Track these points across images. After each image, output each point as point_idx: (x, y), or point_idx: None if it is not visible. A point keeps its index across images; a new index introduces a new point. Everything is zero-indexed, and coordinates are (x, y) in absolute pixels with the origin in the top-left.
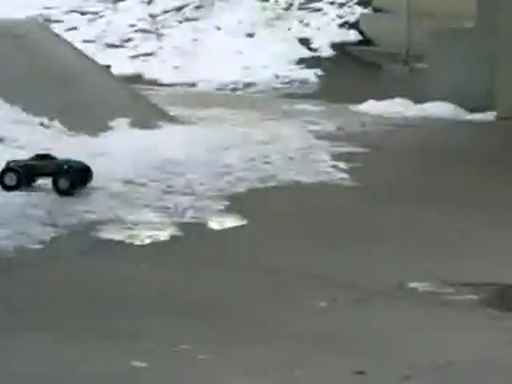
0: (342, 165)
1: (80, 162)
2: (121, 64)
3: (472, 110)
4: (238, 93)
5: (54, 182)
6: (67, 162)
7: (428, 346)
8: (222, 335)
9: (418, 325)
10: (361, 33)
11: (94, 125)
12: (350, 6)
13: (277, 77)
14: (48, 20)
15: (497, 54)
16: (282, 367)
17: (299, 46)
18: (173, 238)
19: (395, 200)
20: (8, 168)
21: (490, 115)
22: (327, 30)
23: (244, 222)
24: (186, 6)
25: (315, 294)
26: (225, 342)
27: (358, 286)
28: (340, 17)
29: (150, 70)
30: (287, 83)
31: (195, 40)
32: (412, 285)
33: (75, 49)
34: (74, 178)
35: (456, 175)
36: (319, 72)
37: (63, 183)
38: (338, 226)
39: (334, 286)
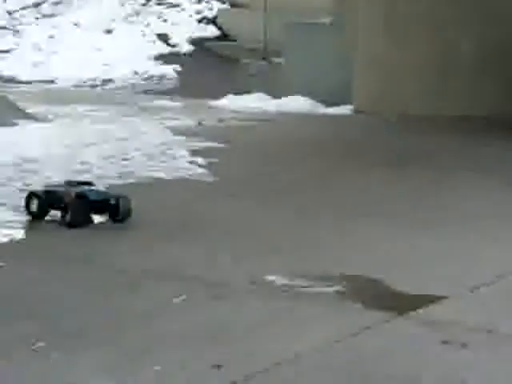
0: (200, 160)
1: (97, 192)
2: None
3: (329, 104)
4: (97, 89)
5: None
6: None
7: (283, 338)
8: (70, 336)
9: (272, 318)
10: (219, 28)
11: None
12: (207, 2)
13: (136, 73)
14: None
15: (353, 49)
16: (138, 364)
17: (158, 41)
18: (30, 236)
19: (252, 194)
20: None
21: (346, 109)
22: (185, 26)
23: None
24: (44, 2)
25: (171, 291)
26: (76, 344)
27: (214, 281)
28: (198, 12)
29: (7, 67)
30: (146, 79)
31: (53, 37)
32: (266, 278)
33: None
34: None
35: (311, 166)
36: (178, 68)
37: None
38: (198, 221)
39: (190, 283)
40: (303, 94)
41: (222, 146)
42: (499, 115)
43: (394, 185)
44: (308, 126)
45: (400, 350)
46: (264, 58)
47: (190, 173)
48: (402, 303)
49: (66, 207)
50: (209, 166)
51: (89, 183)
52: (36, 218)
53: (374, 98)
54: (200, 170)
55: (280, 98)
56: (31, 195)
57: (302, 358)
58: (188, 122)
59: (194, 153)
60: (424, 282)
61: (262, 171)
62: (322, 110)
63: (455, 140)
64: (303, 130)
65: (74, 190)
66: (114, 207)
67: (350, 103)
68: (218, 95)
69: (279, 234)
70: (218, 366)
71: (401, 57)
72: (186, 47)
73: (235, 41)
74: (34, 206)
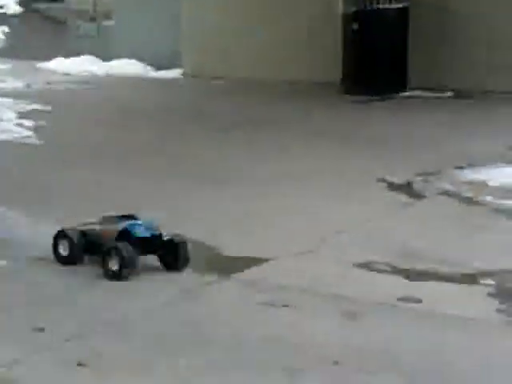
0: (27, 123)
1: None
2: None
3: (159, 68)
4: None
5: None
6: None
7: (108, 302)
8: None
9: (97, 282)
10: None
11: None
12: None
13: None
14: None
15: (181, 14)
16: None
17: None
18: None
19: (80, 158)
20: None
21: (176, 72)
22: None
23: None
24: None
25: None
26: None
27: (40, 247)
28: None
29: None
30: None
31: None
32: None
33: None
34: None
35: (141, 131)
36: (5, 29)
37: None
38: (22, 185)
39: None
40: (133, 58)
41: (49, 108)
42: (325, 80)
43: (228, 149)
44: (137, 89)
45: (222, 313)
46: (93, 20)
47: (17, 135)
48: (225, 265)
49: (108, 251)
50: (36, 129)
51: (131, 216)
52: (68, 263)
53: (201, 62)
54: (27, 133)
55: (110, 61)
56: (60, 235)
57: (127, 322)
58: (16, 84)
59: (21, 115)
60: (249, 244)
61: (89, 135)
62: (152, 73)
63: (287, 103)
64: (132, 93)
65: (115, 228)
66: (169, 249)
67: (180, 67)
68: (46, 58)
69: (105, 198)
70: (41, 329)
71: (227, 20)
72: (13, 8)
73: (63, 2)
74: (65, 250)
